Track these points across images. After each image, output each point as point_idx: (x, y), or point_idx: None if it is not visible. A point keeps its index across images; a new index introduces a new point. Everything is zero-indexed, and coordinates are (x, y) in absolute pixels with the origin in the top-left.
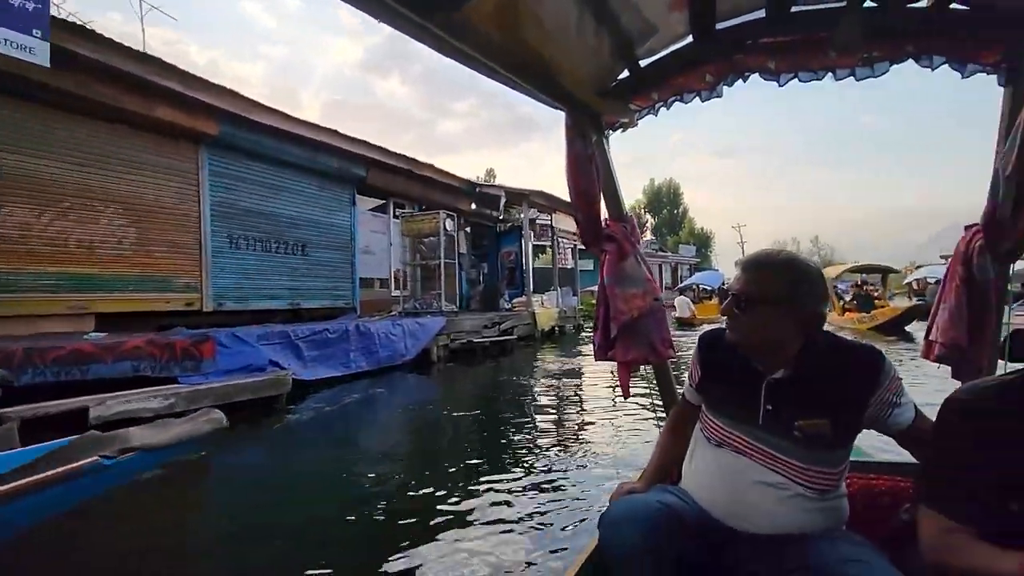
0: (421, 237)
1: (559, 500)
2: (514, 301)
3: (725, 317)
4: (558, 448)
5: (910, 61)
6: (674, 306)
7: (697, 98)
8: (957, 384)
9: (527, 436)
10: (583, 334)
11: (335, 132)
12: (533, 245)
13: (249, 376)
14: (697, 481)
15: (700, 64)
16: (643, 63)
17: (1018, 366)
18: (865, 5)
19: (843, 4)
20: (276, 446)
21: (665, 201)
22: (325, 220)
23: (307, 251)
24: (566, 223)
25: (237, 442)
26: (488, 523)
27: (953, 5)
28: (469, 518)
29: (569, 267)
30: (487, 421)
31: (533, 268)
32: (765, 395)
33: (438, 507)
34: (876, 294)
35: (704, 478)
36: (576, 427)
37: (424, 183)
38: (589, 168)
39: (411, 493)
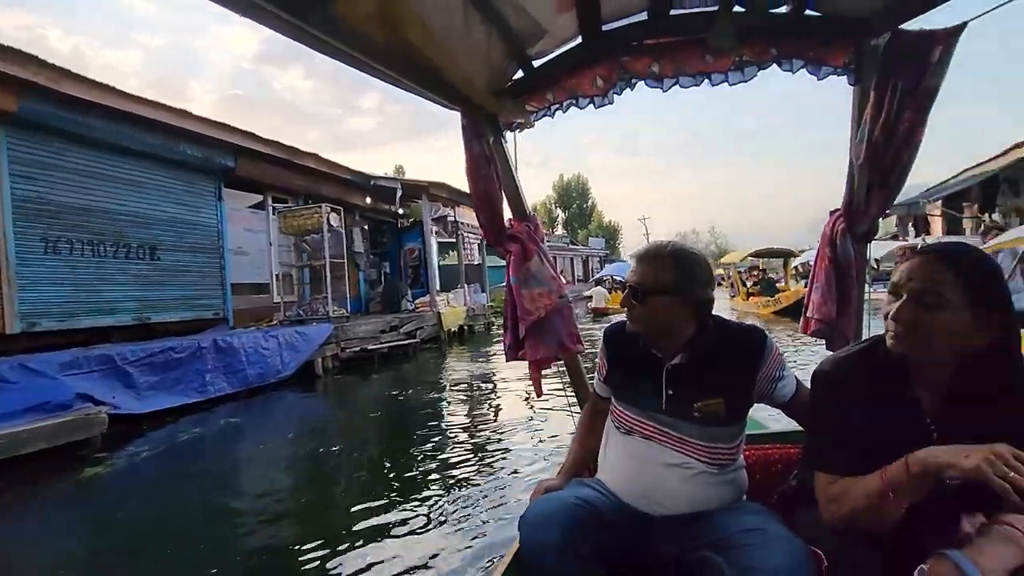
0: (303, 234)
1: (481, 508)
2: (418, 301)
3: (626, 308)
4: (475, 457)
5: (775, 66)
6: (591, 297)
7: (591, 104)
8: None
9: (436, 449)
10: (494, 332)
11: (187, 113)
12: (440, 242)
13: (43, 418)
14: (611, 471)
15: (590, 65)
16: (536, 63)
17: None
18: (734, 9)
19: (715, 8)
20: (67, 512)
21: (575, 195)
22: (184, 218)
23: (159, 254)
24: (472, 217)
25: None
26: (408, 533)
27: (807, 12)
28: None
29: (477, 263)
30: (384, 440)
31: (439, 265)
32: (666, 381)
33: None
34: (777, 278)
35: (617, 467)
36: (492, 431)
37: (308, 175)
38: (488, 169)
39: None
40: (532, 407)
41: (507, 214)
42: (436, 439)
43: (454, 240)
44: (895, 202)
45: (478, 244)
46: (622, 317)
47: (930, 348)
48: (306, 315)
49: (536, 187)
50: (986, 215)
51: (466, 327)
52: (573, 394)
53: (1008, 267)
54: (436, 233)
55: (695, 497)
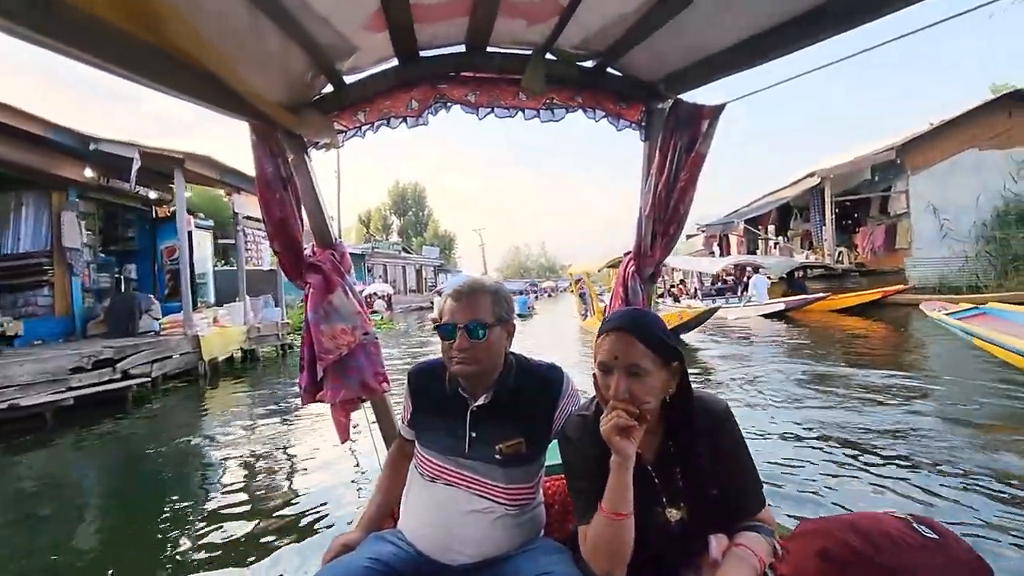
0: None
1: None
2: (168, 319)
3: (460, 350)
4: (266, 531)
5: (581, 112)
6: (432, 307)
7: (404, 124)
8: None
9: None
10: (292, 358)
11: None
12: (222, 243)
13: None
14: (413, 521)
15: (406, 88)
16: (350, 80)
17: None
18: (547, 56)
19: (529, 52)
20: None
21: (411, 203)
22: None
23: None
24: (256, 206)
25: None
26: None
27: (609, 69)
28: None
29: (267, 268)
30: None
31: (216, 271)
32: (470, 423)
33: None
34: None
35: (420, 517)
36: (286, 493)
37: None
38: (284, 191)
39: None
40: (342, 453)
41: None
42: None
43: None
44: (712, 222)
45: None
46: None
47: (646, 406)
48: None
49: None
50: (780, 237)
51: (246, 353)
52: (381, 435)
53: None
54: (206, 228)
55: (496, 543)
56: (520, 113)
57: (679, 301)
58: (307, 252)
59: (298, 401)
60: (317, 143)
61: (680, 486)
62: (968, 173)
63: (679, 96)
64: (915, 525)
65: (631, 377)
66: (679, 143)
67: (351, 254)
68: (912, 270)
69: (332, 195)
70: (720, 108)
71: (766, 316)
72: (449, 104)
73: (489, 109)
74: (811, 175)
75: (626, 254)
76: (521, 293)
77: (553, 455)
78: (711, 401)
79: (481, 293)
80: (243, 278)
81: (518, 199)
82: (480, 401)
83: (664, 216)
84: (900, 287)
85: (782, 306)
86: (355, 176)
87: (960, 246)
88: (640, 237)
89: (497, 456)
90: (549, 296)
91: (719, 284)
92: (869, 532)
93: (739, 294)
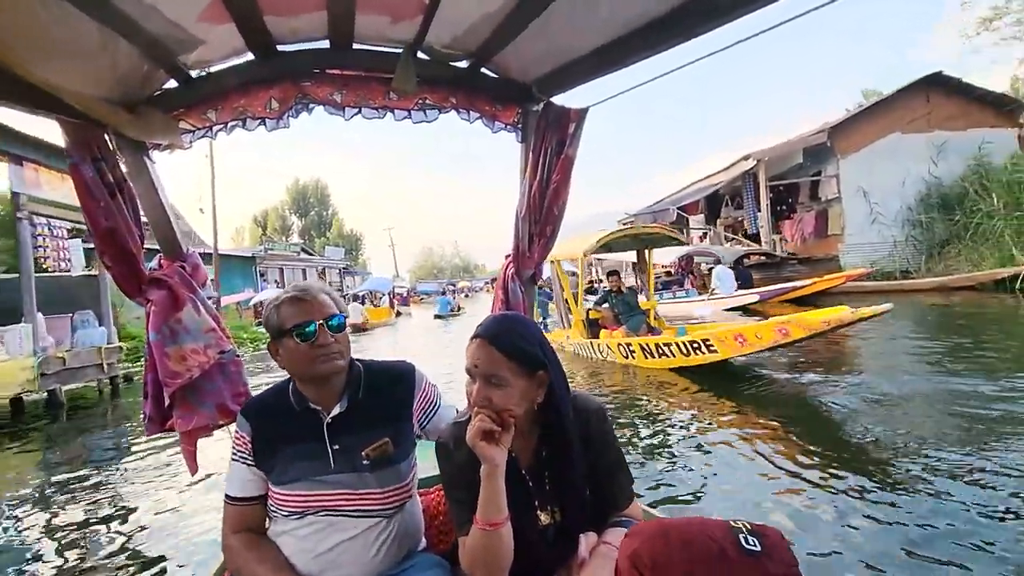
0: None
1: None
2: None
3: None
4: None
5: (454, 112)
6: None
7: (262, 125)
8: None
9: None
10: (130, 393)
11: None
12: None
13: None
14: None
15: (264, 85)
16: (196, 75)
17: None
18: (418, 55)
19: (400, 50)
20: None
21: (313, 202)
22: None
23: None
24: (65, 190)
25: None
26: None
27: (483, 70)
28: None
29: (81, 274)
30: None
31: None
32: (329, 436)
33: None
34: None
35: (293, 558)
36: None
37: None
38: (113, 199)
39: None
40: (195, 493)
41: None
42: None
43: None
44: (641, 211)
45: (82, 239)
46: (383, 329)
47: (512, 414)
48: None
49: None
50: (708, 226)
51: (40, 395)
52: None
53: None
54: None
55: (374, 563)
56: (391, 114)
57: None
58: (152, 265)
59: (132, 438)
60: (160, 144)
61: (554, 489)
62: (893, 157)
63: (551, 98)
64: (741, 536)
65: (491, 385)
66: (550, 145)
67: (237, 257)
68: (845, 256)
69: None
70: (585, 111)
71: (729, 310)
72: (312, 105)
73: (357, 109)
74: (745, 158)
75: (507, 257)
76: (443, 293)
77: (431, 467)
78: (585, 401)
79: (322, 293)
80: (30, 288)
81: (431, 198)
82: (335, 411)
83: (539, 217)
84: (862, 271)
85: (756, 297)
86: (251, 174)
87: (889, 231)
88: (517, 239)
89: (365, 462)
90: (466, 296)
91: (663, 277)
92: (683, 539)
93: (685, 287)
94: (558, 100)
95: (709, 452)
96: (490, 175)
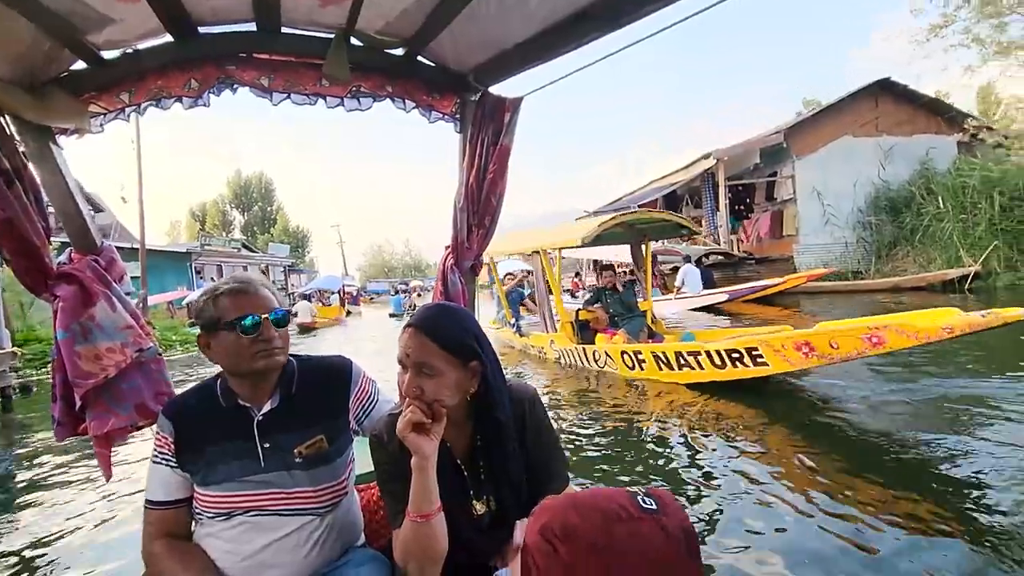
0: None
1: None
2: None
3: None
4: None
5: (389, 101)
6: (295, 312)
7: (178, 103)
8: None
9: None
10: (28, 409)
11: None
12: None
13: None
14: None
15: (184, 68)
16: (108, 56)
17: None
18: (352, 41)
19: (331, 35)
20: None
21: (256, 196)
22: None
23: None
24: None
25: None
26: None
27: (420, 58)
28: None
29: None
30: None
31: None
32: (259, 434)
33: None
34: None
35: (220, 561)
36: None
37: None
38: (9, 187)
39: None
40: (113, 499)
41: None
42: None
43: None
44: (601, 208)
45: None
46: (331, 329)
47: (443, 404)
48: None
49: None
50: None
51: None
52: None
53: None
54: None
55: (310, 562)
56: (323, 100)
57: (575, 296)
58: (62, 259)
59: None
60: (67, 129)
61: (489, 478)
62: (845, 159)
63: (488, 88)
64: (639, 498)
65: (422, 376)
66: (487, 135)
67: (170, 253)
68: (799, 257)
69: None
70: (519, 101)
71: (694, 310)
72: (236, 86)
73: (285, 95)
74: (705, 157)
75: (446, 248)
76: (396, 292)
77: (370, 462)
78: (519, 390)
79: (265, 286)
80: None
81: (380, 195)
82: (266, 408)
83: (478, 208)
84: (822, 271)
85: (726, 296)
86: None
87: (841, 232)
88: (456, 230)
89: (298, 460)
90: (419, 295)
91: (626, 275)
92: (589, 507)
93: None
94: (495, 90)
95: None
96: (444, 169)
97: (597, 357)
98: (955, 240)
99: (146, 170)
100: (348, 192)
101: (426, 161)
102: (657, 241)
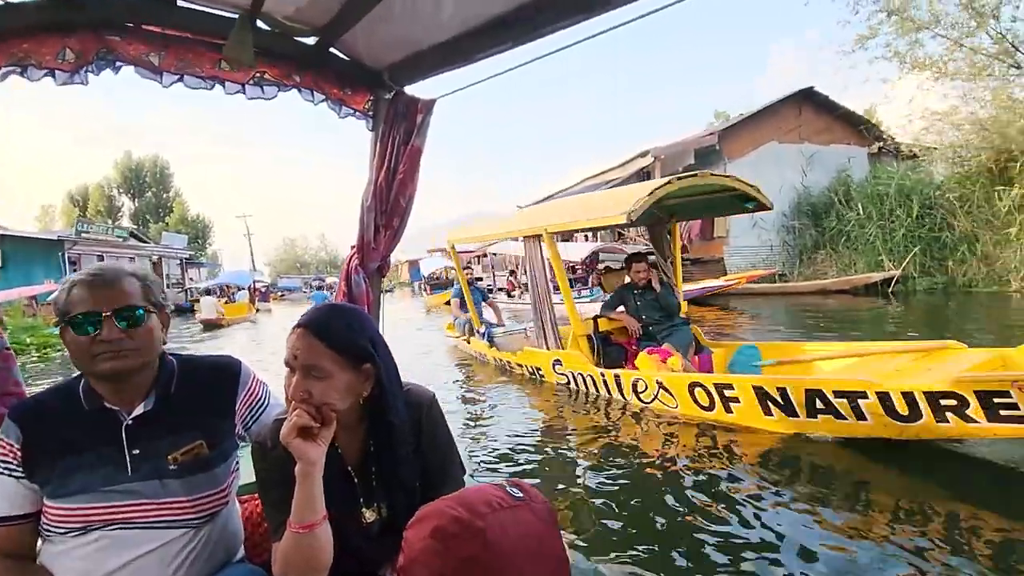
0: None
1: None
2: None
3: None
4: None
5: (296, 92)
6: (200, 308)
7: (50, 78)
8: None
9: None
10: None
11: None
12: None
13: None
14: None
15: (57, 33)
16: None
17: None
18: (258, 24)
19: (235, 15)
20: None
21: (149, 182)
22: None
23: None
24: None
25: None
26: None
27: (332, 50)
28: None
29: None
30: None
31: None
32: (128, 440)
33: None
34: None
35: None
36: None
37: None
38: None
39: None
40: None
41: None
42: None
43: None
44: (529, 204)
45: None
46: (240, 327)
47: (333, 408)
48: None
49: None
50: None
51: None
52: None
53: None
54: None
55: (183, 574)
56: (220, 86)
57: (511, 296)
58: None
59: None
60: None
61: (381, 485)
62: (772, 164)
63: (403, 88)
64: (508, 488)
65: (311, 378)
66: (398, 135)
67: (37, 240)
68: (729, 259)
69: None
70: (432, 102)
71: None
72: (119, 64)
73: (178, 76)
74: (643, 155)
75: (353, 247)
76: (319, 288)
77: (249, 473)
78: (417, 393)
79: (126, 276)
80: None
81: (293, 187)
82: (137, 412)
83: (386, 208)
84: (762, 272)
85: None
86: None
87: (767, 235)
88: (363, 229)
89: (172, 468)
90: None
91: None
92: (472, 501)
93: (590, 286)
94: (410, 90)
95: None
96: (357, 164)
97: (641, 388)
98: (877, 245)
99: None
100: (253, 182)
101: (339, 155)
102: (678, 222)
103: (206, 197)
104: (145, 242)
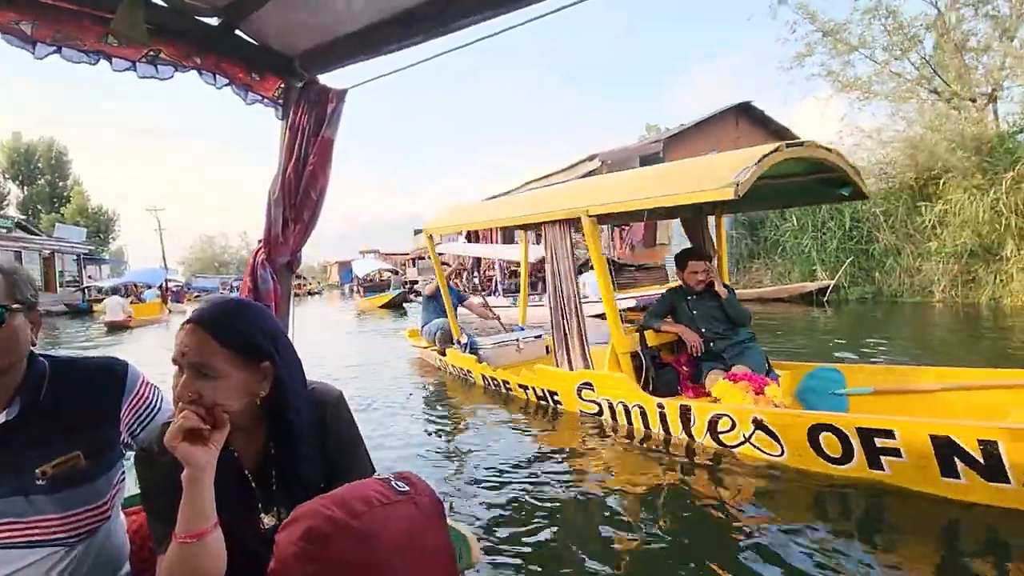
0: None
1: None
2: None
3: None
4: None
5: (196, 73)
6: (104, 309)
7: None
8: None
9: None
10: None
11: None
12: None
13: None
14: None
15: None
16: None
17: None
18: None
19: None
20: None
21: (43, 167)
22: None
23: None
24: None
25: None
26: None
27: (238, 32)
28: None
29: None
30: None
31: None
32: None
33: None
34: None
35: None
36: None
37: None
38: None
39: None
40: None
41: None
42: None
43: None
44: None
45: None
46: (150, 329)
47: (226, 409)
48: None
49: None
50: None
51: None
52: None
53: None
54: None
55: None
56: (107, 61)
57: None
58: None
59: None
60: None
61: (282, 489)
62: None
63: (316, 76)
64: (393, 483)
65: (201, 377)
66: (308, 124)
67: None
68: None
69: None
70: (344, 93)
71: (598, 316)
72: None
73: (55, 48)
74: (591, 158)
75: (259, 241)
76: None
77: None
78: (323, 392)
79: None
80: None
81: (212, 182)
82: (1, 420)
83: (296, 201)
84: None
85: (634, 302)
86: None
87: None
88: (270, 223)
89: (40, 482)
90: None
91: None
92: (348, 499)
93: (539, 290)
94: (323, 79)
95: None
96: (270, 156)
97: (725, 428)
98: (812, 256)
99: None
100: (166, 176)
101: (252, 148)
102: (723, 215)
103: (122, 193)
104: (36, 234)
